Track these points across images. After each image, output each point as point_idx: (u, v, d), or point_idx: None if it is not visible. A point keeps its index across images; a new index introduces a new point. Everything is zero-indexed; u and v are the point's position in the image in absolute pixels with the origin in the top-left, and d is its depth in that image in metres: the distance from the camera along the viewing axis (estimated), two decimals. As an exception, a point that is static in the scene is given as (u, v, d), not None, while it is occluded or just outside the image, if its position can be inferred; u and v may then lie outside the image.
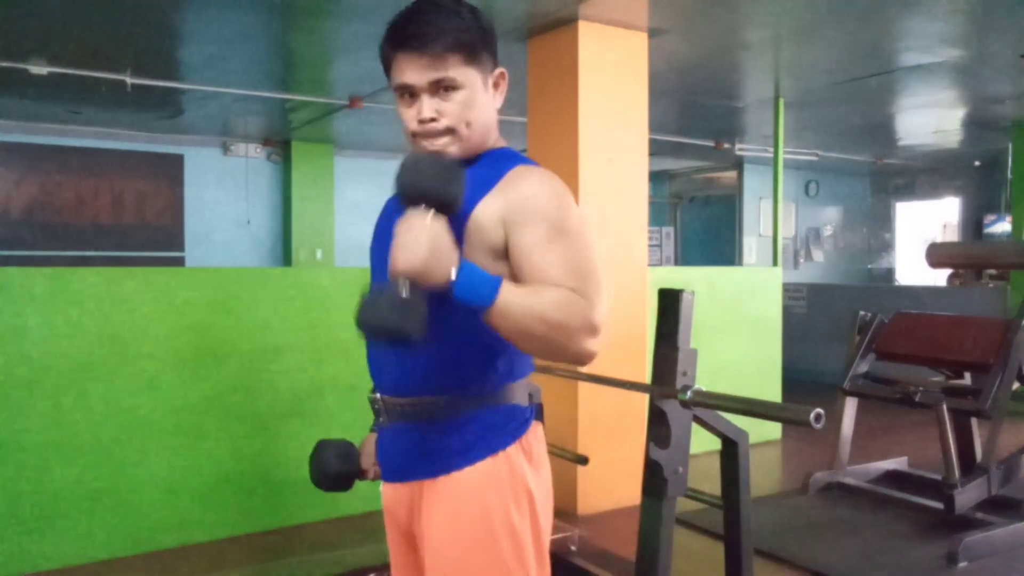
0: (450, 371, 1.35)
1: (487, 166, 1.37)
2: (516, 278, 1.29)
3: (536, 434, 1.43)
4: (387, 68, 1.40)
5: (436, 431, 1.37)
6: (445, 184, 1.21)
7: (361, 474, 1.58)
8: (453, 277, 1.19)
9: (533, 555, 1.37)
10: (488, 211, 1.29)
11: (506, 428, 1.37)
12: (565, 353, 1.26)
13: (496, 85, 1.41)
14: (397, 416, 1.40)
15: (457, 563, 1.35)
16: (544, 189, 1.31)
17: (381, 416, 1.44)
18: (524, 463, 1.38)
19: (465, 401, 1.36)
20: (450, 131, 1.35)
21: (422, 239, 1.17)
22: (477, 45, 1.35)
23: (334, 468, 1.56)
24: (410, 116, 1.36)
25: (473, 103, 1.35)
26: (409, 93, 1.36)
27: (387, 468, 1.46)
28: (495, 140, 1.44)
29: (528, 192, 1.30)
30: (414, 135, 1.37)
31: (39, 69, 4.90)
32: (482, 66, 1.36)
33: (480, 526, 1.34)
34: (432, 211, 1.20)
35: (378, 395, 1.44)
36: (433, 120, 1.33)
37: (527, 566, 1.36)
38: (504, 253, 1.30)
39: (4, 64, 4.82)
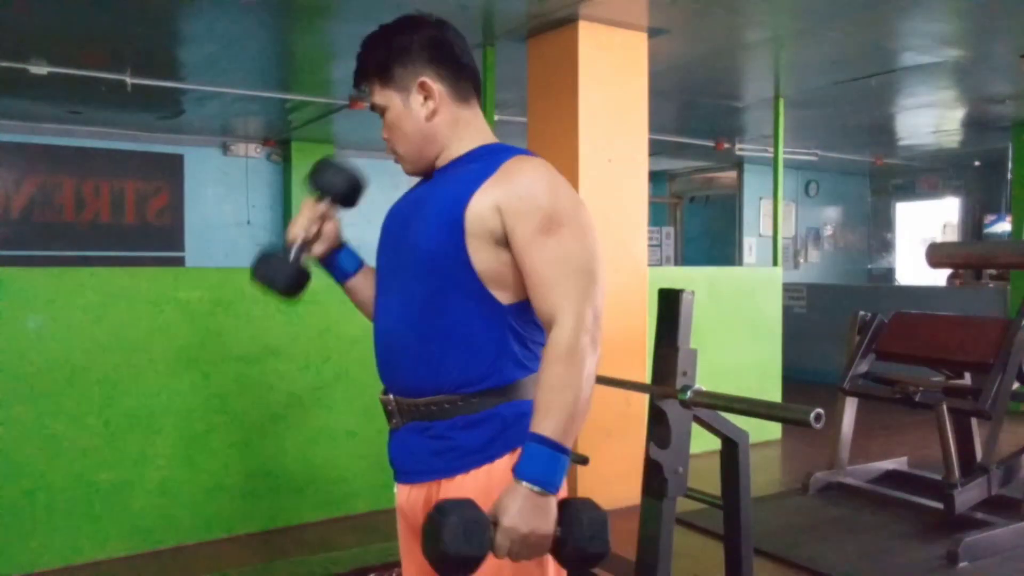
0: (465, 368, 1.35)
1: (480, 159, 1.39)
2: (518, 267, 1.33)
3: None
4: None
5: (454, 429, 1.36)
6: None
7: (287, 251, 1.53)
8: (551, 494, 1.23)
9: (550, 559, 1.36)
10: (484, 201, 1.31)
11: (520, 424, 1.36)
12: (593, 370, 1.29)
13: (424, 94, 1.41)
14: (412, 416, 1.40)
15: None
16: (537, 178, 1.32)
17: (394, 418, 1.43)
18: None
19: (482, 397, 1.35)
20: (394, 151, 1.47)
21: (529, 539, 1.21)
22: (386, 65, 1.41)
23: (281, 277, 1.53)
24: None
25: (397, 121, 1.43)
26: None
27: (402, 470, 1.45)
28: (480, 138, 1.44)
29: (521, 182, 1.31)
30: None
31: (39, 69, 4.90)
32: (397, 83, 1.41)
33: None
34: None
35: (391, 396, 1.43)
36: (386, 140, 1.47)
37: (545, 564, 1.36)
38: (504, 241, 1.32)
39: (4, 64, 4.82)
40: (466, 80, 1.45)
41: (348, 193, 1.52)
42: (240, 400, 3.65)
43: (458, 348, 1.34)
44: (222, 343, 3.62)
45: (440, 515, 1.16)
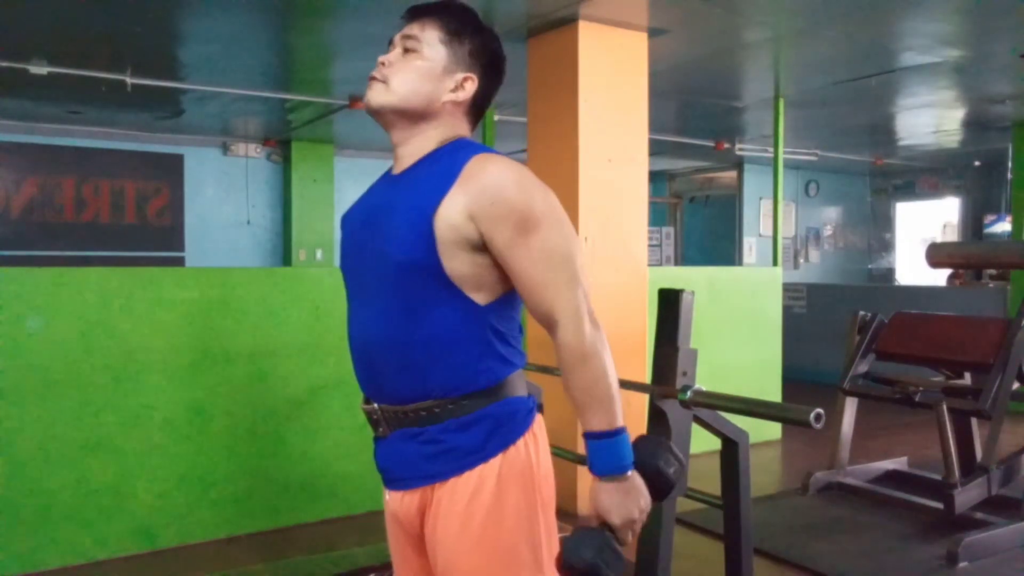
0: (451, 373, 1.35)
1: (443, 158, 1.39)
2: (495, 268, 1.34)
3: (540, 424, 1.44)
4: None
5: (446, 432, 1.35)
6: None
7: None
8: (631, 475, 1.35)
9: (546, 547, 1.38)
10: (454, 207, 1.30)
11: (513, 421, 1.37)
12: (605, 353, 1.35)
13: (460, 84, 1.43)
14: (400, 424, 1.39)
15: (474, 560, 1.35)
16: (504, 178, 1.31)
17: (380, 426, 1.42)
18: (533, 454, 1.39)
19: (471, 399, 1.35)
20: (384, 80, 1.42)
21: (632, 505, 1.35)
22: (461, 37, 1.43)
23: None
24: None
25: (424, 72, 1.41)
26: (389, 44, 1.47)
27: (394, 477, 1.43)
28: (451, 131, 1.45)
29: (489, 183, 1.30)
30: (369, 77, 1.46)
31: (39, 69, 4.90)
32: (453, 51, 1.42)
33: (496, 524, 1.34)
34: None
35: (375, 405, 1.42)
36: (382, 64, 1.43)
37: (540, 561, 1.37)
38: (480, 246, 1.32)
39: (4, 64, 4.82)
40: (481, 111, 1.50)
41: None
42: (240, 400, 3.65)
43: (442, 354, 1.34)
44: (222, 343, 3.62)
45: (577, 559, 1.28)
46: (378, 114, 1.43)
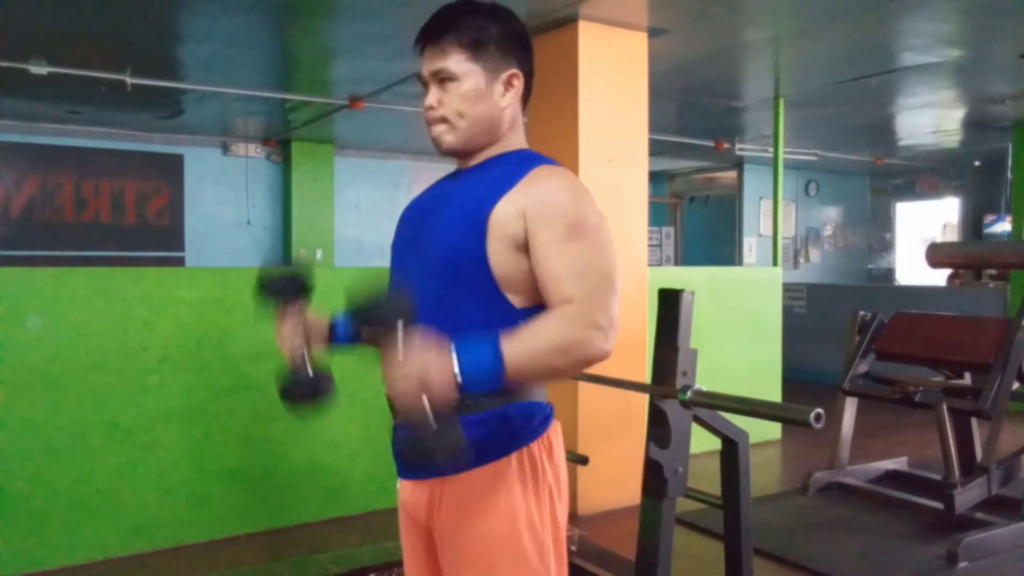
0: None
1: (508, 164, 1.40)
2: (533, 272, 1.33)
3: (556, 431, 1.44)
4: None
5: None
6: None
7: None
8: (459, 380, 1.20)
9: (553, 553, 1.38)
10: (509, 207, 1.32)
11: (528, 425, 1.37)
12: (587, 362, 1.29)
13: (508, 85, 1.43)
14: None
15: (479, 560, 1.35)
16: (564, 189, 1.34)
17: (399, 413, 1.42)
18: (546, 460, 1.38)
19: (488, 397, 1.32)
20: (444, 120, 1.41)
21: (411, 374, 1.18)
22: (484, 42, 1.40)
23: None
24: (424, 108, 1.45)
25: (469, 96, 1.40)
26: (423, 84, 1.44)
27: (405, 464, 1.45)
28: (517, 142, 1.47)
29: (548, 190, 1.33)
30: (427, 124, 1.45)
31: (39, 69, 4.90)
32: (488, 63, 1.41)
33: (503, 524, 1.34)
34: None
35: None
36: (431, 108, 1.42)
37: (548, 565, 1.37)
38: (524, 246, 1.33)
39: (4, 64, 4.82)
40: (531, 88, 1.50)
41: (298, 289, 1.47)
42: (240, 400, 3.65)
43: None
44: (222, 343, 3.62)
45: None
46: (454, 152, 1.45)
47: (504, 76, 1.43)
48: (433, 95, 1.42)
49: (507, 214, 1.32)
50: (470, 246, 1.33)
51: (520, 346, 1.24)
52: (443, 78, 1.40)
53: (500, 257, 1.32)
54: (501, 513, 1.34)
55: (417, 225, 1.47)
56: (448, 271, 1.35)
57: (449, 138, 1.42)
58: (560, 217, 1.31)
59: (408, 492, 1.45)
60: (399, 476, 1.48)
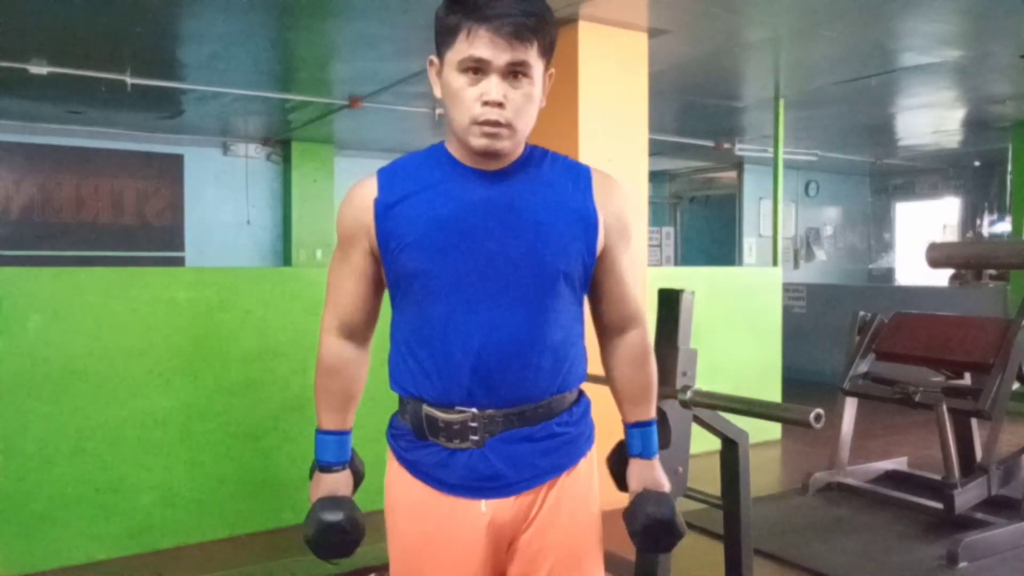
0: (572, 364, 1.39)
1: (551, 163, 1.40)
2: (599, 276, 1.42)
3: None
4: (451, 37, 1.24)
5: (562, 424, 1.39)
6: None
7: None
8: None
9: None
10: (601, 212, 1.38)
11: (591, 410, 1.48)
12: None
13: (547, 83, 1.33)
14: (508, 426, 1.33)
15: (595, 541, 1.43)
16: (625, 198, 1.44)
17: (475, 434, 1.32)
18: (595, 449, 1.49)
19: (576, 391, 1.43)
20: (508, 124, 1.25)
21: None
22: (551, 39, 1.29)
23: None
24: (472, 96, 1.23)
25: (533, 98, 1.28)
26: (475, 70, 1.23)
27: (506, 483, 1.33)
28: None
29: (621, 204, 1.41)
30: (473, 121, 1.24)
31: (39, 69, 4.90)
32: (546, 62, 1.30)
33: (595, 507, 1.45)
34: None
35: (474, 411, 1.31)
36: (500, 105, 1.23)
37: (602, 540, 1.47)
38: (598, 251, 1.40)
39: (4, 64, 4.83)
40: None
41: (352, 547, 1.53)
42: (240, 400, 3.65)
43: (574, 353, 1.40)
44: (222, 343, 3.62)
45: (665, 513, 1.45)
46: (495, 157, 1.30)
47: (547, 75, 1.32)
48: (498, 88, 1.22)
49: (602, 220, 1.37)
50: (587, 265, 1.37)
51: (652, 403, 1.51)
52: (519, 72, 1.23)
53: (593, 259, 1.39)
54: (593, 498, 1.44)
55: (494, 237, 1.29)
56: (560, 288, 1.34)
57: (505, 144, 1.27)
58: (626, 228, 1.42)
59: (508, 508, 1.34)
60: (482, 497, 1.34)
